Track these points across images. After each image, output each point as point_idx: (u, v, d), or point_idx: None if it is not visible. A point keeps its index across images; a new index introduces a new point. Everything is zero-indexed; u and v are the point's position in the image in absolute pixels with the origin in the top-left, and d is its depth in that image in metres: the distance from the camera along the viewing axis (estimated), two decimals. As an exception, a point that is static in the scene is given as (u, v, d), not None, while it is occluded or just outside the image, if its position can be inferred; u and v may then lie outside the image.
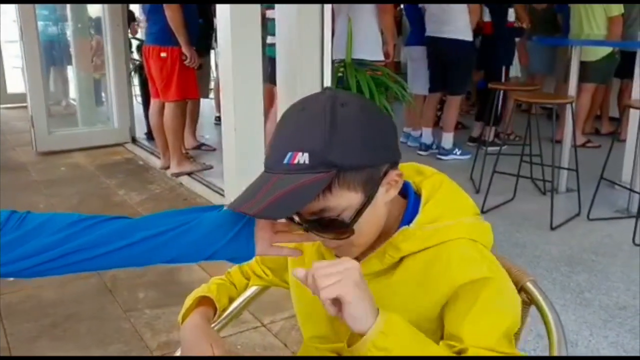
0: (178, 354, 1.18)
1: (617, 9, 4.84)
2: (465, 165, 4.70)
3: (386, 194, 0.91)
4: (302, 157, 0.83)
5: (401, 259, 0.94)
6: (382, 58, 4.15)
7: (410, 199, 0.97)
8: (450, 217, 0.94)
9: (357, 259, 0.93)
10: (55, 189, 4.46)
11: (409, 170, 1.02)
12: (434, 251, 0.91)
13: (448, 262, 0.90)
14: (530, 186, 4.22)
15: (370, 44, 4.07)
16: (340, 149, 0.83)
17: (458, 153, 5.09)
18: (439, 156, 5.06)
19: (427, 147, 5.24)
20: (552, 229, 3.45)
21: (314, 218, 0.88)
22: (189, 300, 1.18)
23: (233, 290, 1.24)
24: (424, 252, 0.92)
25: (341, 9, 4.28)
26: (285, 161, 0.84)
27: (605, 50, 4.95)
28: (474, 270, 0.88)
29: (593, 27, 4.91)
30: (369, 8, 4.14)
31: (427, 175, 1.01)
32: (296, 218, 0.92)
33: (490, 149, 4.35)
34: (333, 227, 0.88)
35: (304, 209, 0.87)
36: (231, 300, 1.24)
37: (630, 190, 3.74)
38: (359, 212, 0.87)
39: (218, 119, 6.30)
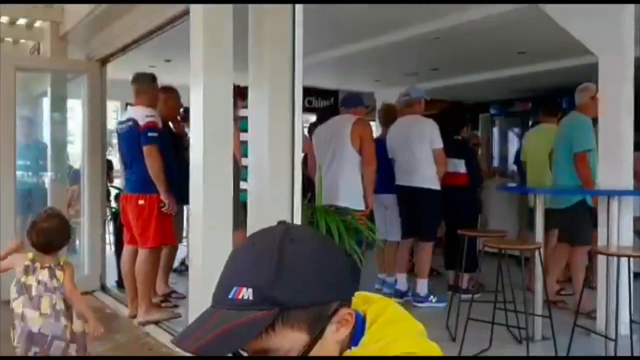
0: None
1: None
2: (441, 312, 4.63)
3: (336, 333, 0.88)
4: (247, 293, 0.81)
5: None
6: (363, 208, 4.39)
7: (357, 325, 0.95)
8: (393, 337, 0.91)
9: None
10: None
11: (358, 299, 1.00)
12: None
13: None
14: (506, 334, 4.13)
15: (355, 194, 4.40)
16: (285, 286, 0.82)
17: (434, 300, 5.04)
18: (414, 303, 5.00)
19: (403, 294, 5.19)
20: (530, 379, 3.33)
21: (259, 356, 0.84)
22: None
23: None
24: None
25: (327, 159, 4.53)
26: (230, 296, 0.83)
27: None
28: None
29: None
30: (355, 159, 4.48)
31: (373, 301, 0.99)
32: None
33: (464, 296, 4.32)
34: None
35: (247, 347, 0.83)
36: None
37: (606, 337, 3.68)
38: (305, 354, 0.83)
39: (181, 264, 6.23)
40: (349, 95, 5.19)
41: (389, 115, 5.62)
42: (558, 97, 9.06)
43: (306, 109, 9.42)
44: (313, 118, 8.38)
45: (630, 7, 4.00)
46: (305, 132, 5.92)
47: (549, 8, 4.40)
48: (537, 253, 3.93)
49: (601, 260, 4.00)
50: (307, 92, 9.17)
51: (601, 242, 4.03)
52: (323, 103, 9.21)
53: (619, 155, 4.01)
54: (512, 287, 4.20)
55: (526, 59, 6.96)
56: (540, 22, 4.64)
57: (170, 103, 5.00)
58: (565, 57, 6.56)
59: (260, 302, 0.81)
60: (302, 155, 3.88)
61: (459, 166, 5.32)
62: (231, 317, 0.81)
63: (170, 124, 4.97)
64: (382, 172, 5.24)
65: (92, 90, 5.67)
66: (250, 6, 3.17)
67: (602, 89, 4.11)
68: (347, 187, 4.39)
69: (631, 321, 3.73)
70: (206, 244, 3.26)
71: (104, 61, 5.71)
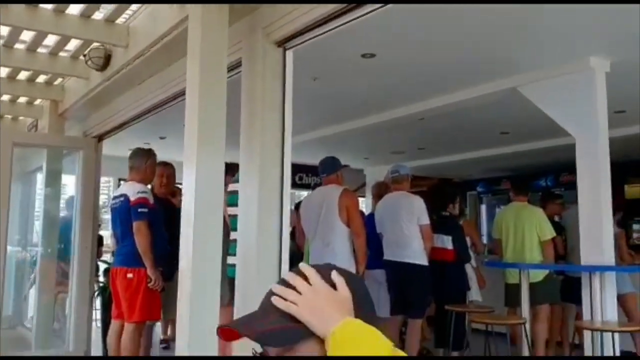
0: None
1: (550, 233, 5.23)
2: (429, 391, 4.58)
3: None
4: None
5: None
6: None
7: None
8: None
9: None
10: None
11: None
12: None
13: None
14: (495, 412, 4.09)
15: (345, 266, 4.26)
16: None
17: (422, 378, 4.98)
18: (403, 382, 4.92)
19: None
20: None
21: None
22: None
23: None
24: None
25: (317, 231, 4.58)
26: None
27: (543, 272, 5.16)
28: None
29: (526, 252, 5.24)
30: (344, 232, 4.50)
31: None
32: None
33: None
34: None
35: (278, 351, 0.94)
36: None
37: (594, 415, 3.66)
38: None
39: (163, 341, 6.15)
40: (326, 160, 4.91)
41: (382, 191, 5.74)
42: (541, 175, 9.38)
43: (297, 185, 9.62)
44: (304, 193, 8.53)
45: (602, 90, 4.23)
46: (292, 207, 6.01)
47: (527, 91, 4.64)
48: (522, 328, 3.96)
49: (586, 335, 4.03)
50: (298, 168, 9.38)
51: (586, 317, 4.07)
52: (313, 179, 9.38)
53: (600, 232, 4.10)
54: (500, 363, 4.21)
55: (509, 139, 7.23)
56: (520, 104, 4.88)
57: (167, 179, 5.16)
58: (546, 137, 6.82)
59: None
60: (291, 228, 3.95)
61: (447, 242, 5.40)
62: (285, 321, 0.93)
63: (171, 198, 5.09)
64: (374, 247, 5.32)
65: (86, 166, 5.79)
66: (243, 85, 3.35)
67: (579, 169, 4.27)
68: (337, 260, 4.39)
69: (619, 398, 3.72)
70: (193, 320, 3.27)
71: (100, 138, 5.87)
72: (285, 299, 0.95)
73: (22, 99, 6.14)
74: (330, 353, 0.87)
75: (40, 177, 6.61)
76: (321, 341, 0.91)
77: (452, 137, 7.34)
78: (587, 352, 4.02)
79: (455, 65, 4.56)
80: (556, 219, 6.13)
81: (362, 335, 0.88)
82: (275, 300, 0.95)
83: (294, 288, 0.96)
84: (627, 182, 8.51)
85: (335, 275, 0.99)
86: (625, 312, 5.40)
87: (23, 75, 5.39)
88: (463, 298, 5.33)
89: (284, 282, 0.98)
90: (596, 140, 4.17)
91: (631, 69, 4.38)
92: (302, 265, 1.01)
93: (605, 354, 3.59)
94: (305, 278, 0.97)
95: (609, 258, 4.09)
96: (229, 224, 4.01)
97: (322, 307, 0.92)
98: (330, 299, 0.94)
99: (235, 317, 3.42)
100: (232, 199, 3.93)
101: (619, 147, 4.84)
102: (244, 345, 1.01)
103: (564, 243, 5.85)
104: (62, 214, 6.38)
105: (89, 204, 5.80)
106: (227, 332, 0.98)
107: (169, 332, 6.24)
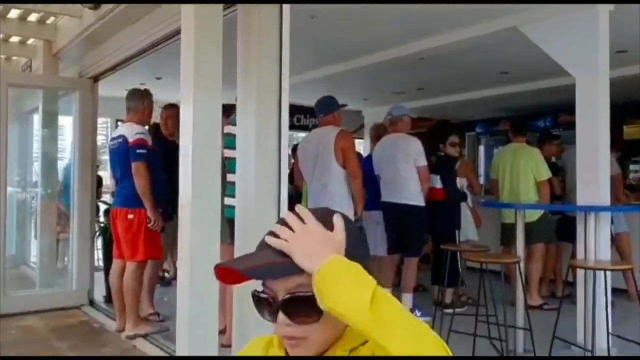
0: None
1: (546, 174, 5.31)
2: (424, 326, 4.69)
3: None
4: None
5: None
6: (352, 219, 4.38)
7: None
8: None
9: None
10: (1, 352, 4.28)
11: None
12: None
13: None
14: (488, 347, 4.20)
15: (343, 208, 4.32)
16: None
17: (418, 314, 5.11)
18: (399, 318, 5.05)
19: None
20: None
21: (288, 297, 0.95)
22: None
23: None
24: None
25: (314, 174, 4.60)
26: None
27: (538, 212, 5.30)
28: None
29: (522, 192, 5.32)
30: (341, 174, 4.51)
31: None
32: (272, 297, 0.98)
33: (447, 310, 4.41)
34: (304, 306, 0.94)
35: (280, 286, 0.96)
36: None
37: (584, 349, 3.78)
38: None
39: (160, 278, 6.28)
40: (323, 99, 4.83)
41: (380, 133, 5.72)
42: (540, 115, 9.34)
43: (295, 127, 9.57)
44: (302, 135, 8.50)
45: (605, 30, 4.15)
46: (290, 150, 6.00)
47: (528, 30, 4.56)
48: (517, 267, 4.04)
49: (580, 274, 4.11)
50: (296, 109, 9.30)
51: (580, 256, 4.15)
52: (311, 121, 9.34)
53: (596, 172, 4.12)
54: (495, 300, 4.30)
55: (509, 79, 7.15)
56: (521, 44, 4.80)
57: (169, 120, 5.16)
58: (546, 77, 6.75)
59: None
60: (289, 171, 3.95)
61: (435, 181, 5.43)
62: (276, 257, 0.95)
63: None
64: (372, 188, 5.35)
65: (83, 107, 5.75)
66: (239, 23, 3.29)
67: (579, 109, 4.24)
68: (334, 201, 4.41)
69: (608, 334, 3.82)
70: (193, 256, 3.33)
71: (96, 78, 5.80)
72: (278, 237, 0.97)
73: (15, 39, 6.03)
74: (315, 289, 0.89)
75: (37, 118, 6.59)
76: (309, 277, 0.92)
77: (452, 77, 7.26)
78: (580, 289, 4.11)
79: (456, 4, 4.45)
80: (554, 159, 6.16)
81: (347, 272, 0.90)
82: (268, 238, 0.98)
83: (288, 227, 0.97)
84: (626, 122, 8.50)
85: (336, 218, 1.01)
86: (618, 251, 5.50)
87: (14, 13, 5.28)
88: (453, 237, 5.37)
89: (281, 221, 1.00)
90: (597, 81, 4.13)
91: (635, 8, 4.29)
92: (299, 207, 1.02)
93: (597, 291, 3.67)
94: (301, 219, 0.98)
95: (605, 198, 4.13)
96: (226, 166, 4.02)
97: (312, 245, 0.94)
98: (322, 239, 0.96)
99: (235, 257, 3.48)
100: (228, 142, 3.92)
101: (619, 87, 4.79)
102: (246, 285, 1.03)
103: (562, 183, 5.90)
104: (70, 156, 6.38)
105: (87, 144, 5.79)
106: (224, 275, 0.99)
107: (166, 266, 6.34)
